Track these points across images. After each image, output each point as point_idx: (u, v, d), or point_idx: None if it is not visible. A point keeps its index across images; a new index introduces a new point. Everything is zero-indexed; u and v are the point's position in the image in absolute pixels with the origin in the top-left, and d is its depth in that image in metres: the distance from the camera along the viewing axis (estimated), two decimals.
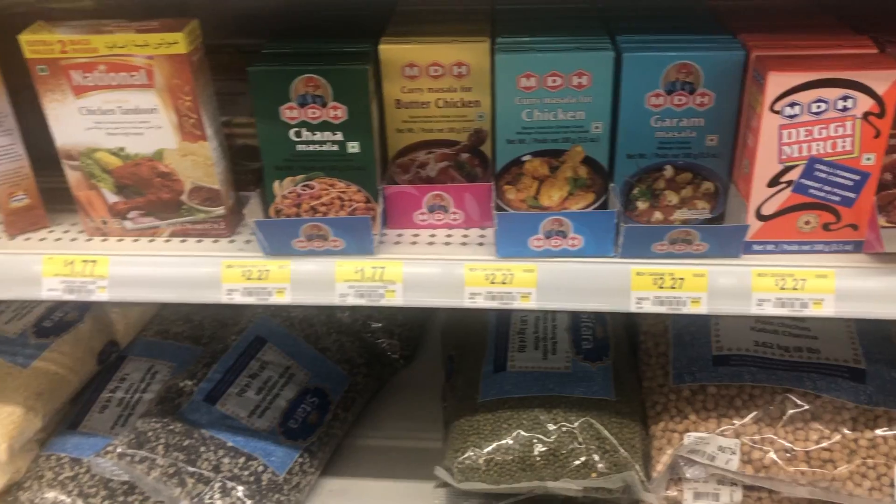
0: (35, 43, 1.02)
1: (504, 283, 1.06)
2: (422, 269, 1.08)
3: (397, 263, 1.08)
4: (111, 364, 1.56)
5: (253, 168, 1.21)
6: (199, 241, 1.15)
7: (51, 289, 1.12)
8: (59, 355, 1.47)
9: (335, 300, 1.09)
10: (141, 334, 1.63)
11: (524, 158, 1.08)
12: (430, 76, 1.08)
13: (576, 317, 1.42)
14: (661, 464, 1.21)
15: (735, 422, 1.20)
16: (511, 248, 1.06)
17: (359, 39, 1.11)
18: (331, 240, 1.07)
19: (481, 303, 1.07)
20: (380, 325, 1.72)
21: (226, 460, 1.32)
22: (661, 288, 1.04)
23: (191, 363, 1.50)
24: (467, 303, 1.07)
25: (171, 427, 1.35)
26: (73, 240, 1.17)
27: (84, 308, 1.56)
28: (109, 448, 1.31)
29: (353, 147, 1.08)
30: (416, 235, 1.15)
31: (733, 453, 1.18)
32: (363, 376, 1.59)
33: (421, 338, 1.79)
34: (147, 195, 1.11)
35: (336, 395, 1.51)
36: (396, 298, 1.08)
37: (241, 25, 1.32)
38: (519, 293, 1.06)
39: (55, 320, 1.52)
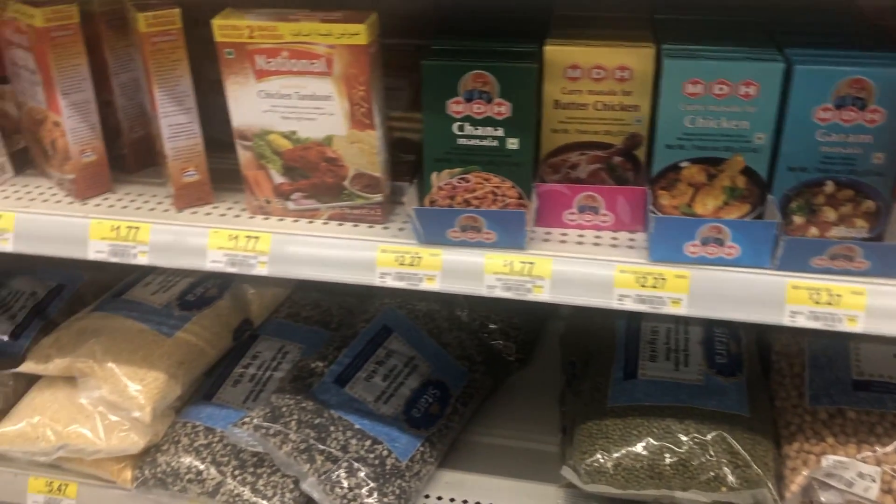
0: (226, 27, 1.08)
1: (655, 287, 1.06)
2: (571, 268, 1.10)
3: (546, 260, 1.10)
4: (245, 341, 1.62)
5: (406, 160, 1.26)
6: (356, 226, 1.19)
7: (214, 260, 1.18)
8: (200, 328, 1.54)
9: (482, 291, 1.11)
10: (273, 315, 1.70)
11: (682, 164, 1.09)
12: (592, 79, 1.10)
13: (709, 331, 1.41)
14: (795, 484, 1.19)
15: (877, 449, 1.17)
16: (665, 253, 1.07)
17: (522, 40, 1.14)
18: (484, 232, 1.10)
19: (630, 305, 1.08)
20: (496, 326, 1.74)
21: (353, 441, 1.36)
22: (817, 303, 1.03)
23: (320, 346, 1.56)
24: (615, 304, 1.08)
25: (304, 405, 1.40)
26: (237, 216, 1.23)
27: (224, 286, 1.63)
28: (246, 420, 1.37)
29: (513, 144, 1.11)
30: (564, 234, 1.17)
31: (873, 481, 1.16)
32: (481, 374, 1.61)
33: (536, 342, 1.80)
34: (312, 178, 1.17)
35: (456, 390, 1.54)
36: (544, 294, 1.10)
37: (398, 24, 1.37)
38: (669, 298, 1.06)
39: (197, 295, 1.60)
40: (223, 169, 1.29)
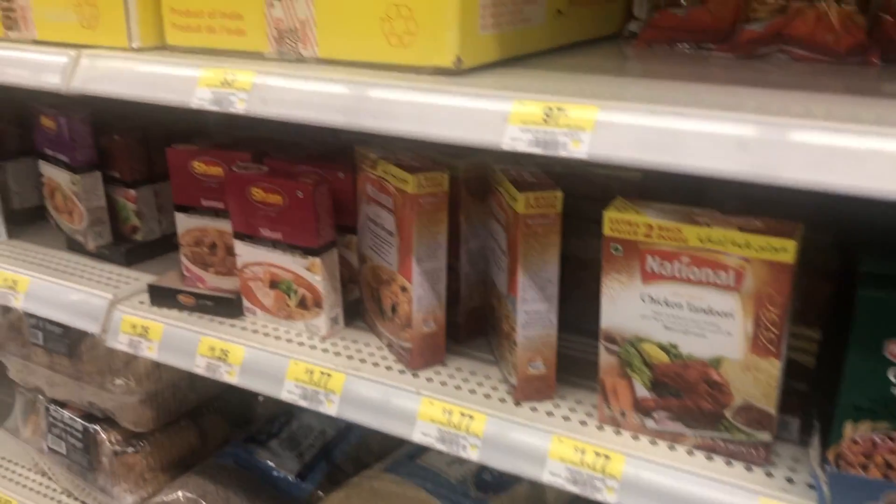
0: (619, 222, 0.95)
1: None
2: None
3: None
4: None
5: (795, 389, 1.04)
6: (729, 464, 0.98)
7: (554, 472, 1.02)
8: None
9: None
10: None
11: None
12: None
13: None
14: None
15: None
16: None
17: None
18: None
19: None
20: None
21: None
22: None
23: None
24: None
25: None
26: (583, 423, 1.07)
27: None
28: None
29: None
30: None
31: None
32: None
33: None
34: (685, 400, 0.99)
35: None
36: None
37: None
38: None
39: (495, 475, 1.46)
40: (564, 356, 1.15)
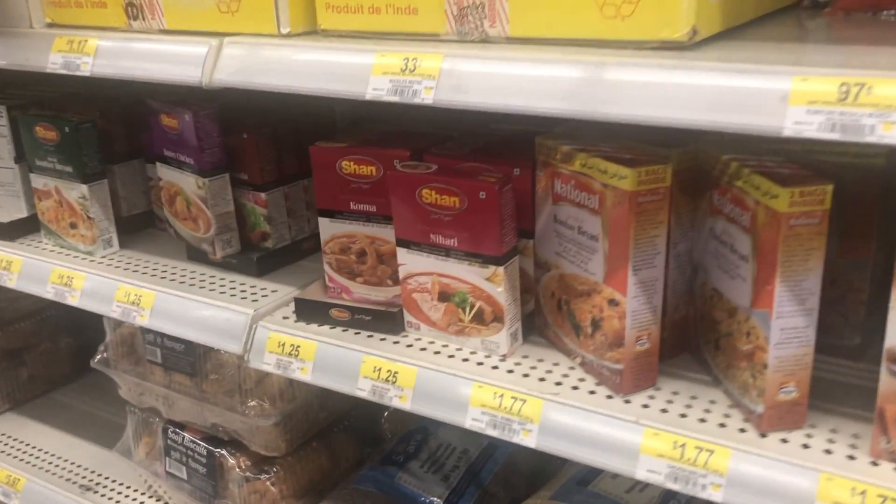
0: None
1: None
2: None
3: None
4: None
5: None
6: None
7: None
8: None
9: None
10: None
11: None
12: None
13: None
14: None
15: None
16: None
17: None
18: None
19: None
20: None
21: None
22: None
23: None
24: None
25: None
26: (850, 457, 0.91)
27: None
28: None
29: None
30: None
31: None
32: None
33: None
34: None
35: None
36: None
37: None
38: None
39: (681, 501, 1.30)
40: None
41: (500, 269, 1.10)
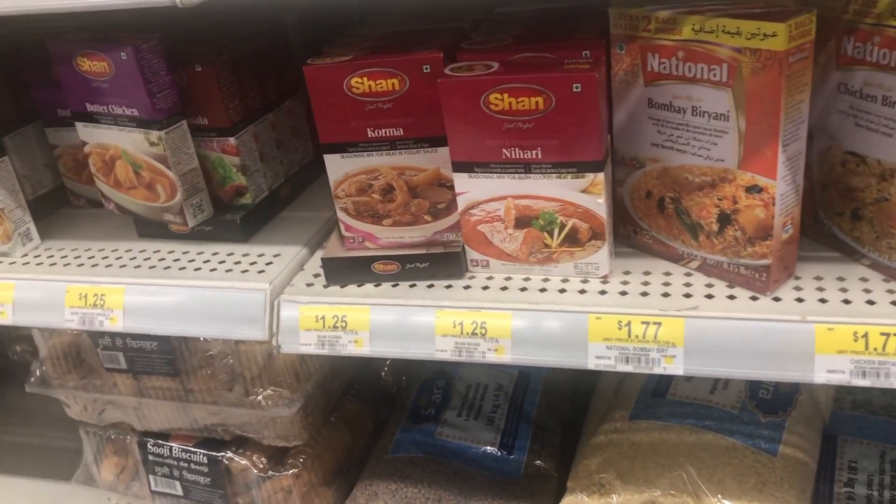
0: None
1: None
2: None
3: None
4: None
5: None
6: None
7: None
8: (799, 438, 1.15)
9: None
10: (836, 407, 1.29)
11: None
12: None
13: None
14: None
15: None
16: None
17: None
18: None
19: None
20: None
21: None
22: None
23: None
24: None
25: None
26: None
27: None
28: None
29: None
30: None
31: None
32: None
33: None
34: None
35: None
36: None
37: None
38: None
39: (770, 391, 1.21)
40: None
41: (600, 176, 0.91)
